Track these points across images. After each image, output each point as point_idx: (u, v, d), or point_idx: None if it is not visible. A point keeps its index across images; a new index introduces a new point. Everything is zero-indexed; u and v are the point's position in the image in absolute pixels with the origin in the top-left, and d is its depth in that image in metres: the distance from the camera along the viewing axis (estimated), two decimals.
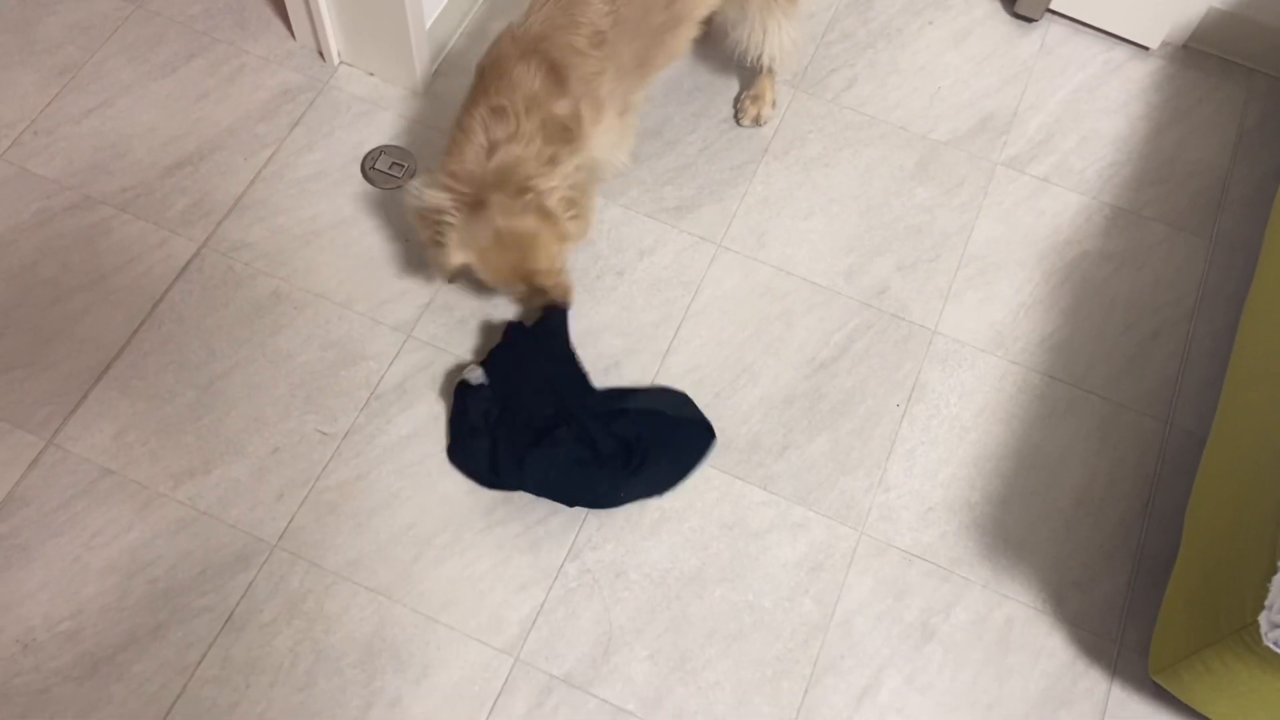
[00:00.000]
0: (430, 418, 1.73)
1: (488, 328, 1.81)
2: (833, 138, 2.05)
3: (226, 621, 1.56)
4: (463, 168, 1.55)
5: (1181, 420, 1.82)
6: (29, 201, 1.85)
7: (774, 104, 2.02)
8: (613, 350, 1.81)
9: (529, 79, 1.54)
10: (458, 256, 1.58)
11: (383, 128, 1.98)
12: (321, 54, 2.03)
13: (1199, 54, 2.20)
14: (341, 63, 2.03)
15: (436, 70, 2.05)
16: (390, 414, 1.73)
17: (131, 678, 1.51)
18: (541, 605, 1.61)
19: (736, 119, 2.03)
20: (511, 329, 1.74)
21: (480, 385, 1.69)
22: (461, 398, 1.71)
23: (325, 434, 1.71)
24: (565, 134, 1.58)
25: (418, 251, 1.87)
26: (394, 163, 1.94)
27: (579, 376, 1.71)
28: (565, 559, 1.65)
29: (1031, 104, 2.11)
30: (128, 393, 1.71)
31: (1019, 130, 2.08)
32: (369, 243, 1.87)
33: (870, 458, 1.76)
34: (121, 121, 1.94)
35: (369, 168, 1.93)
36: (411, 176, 1.93)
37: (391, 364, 1.77)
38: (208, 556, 1.60)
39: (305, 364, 1.76)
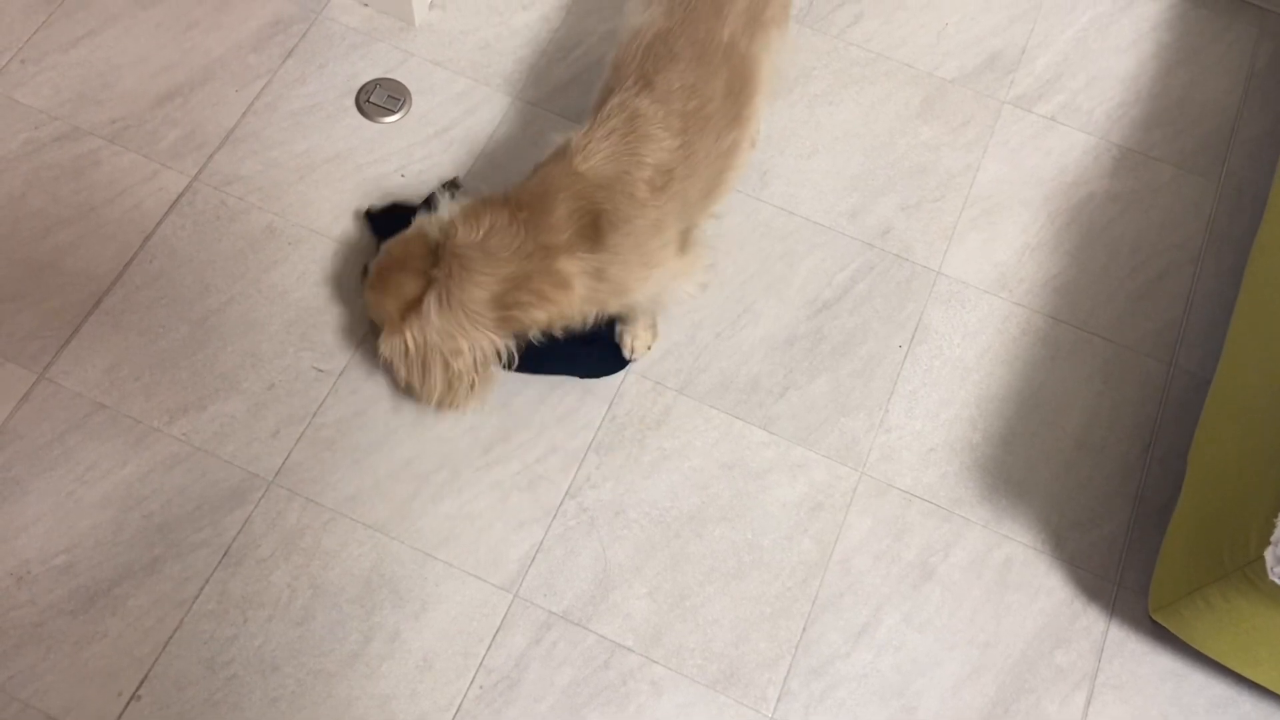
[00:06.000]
0: None
1: None
2: (837, 75, 2.01)
3: (223, 556, 1.55)
4: (467, 237, 1.44)
5: (1185, 362, 1.80)
6: (17, 132, 1.81)
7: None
8: None
9: (563, 227, 1.43)
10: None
11: (377, 60, 1.94)
12: None
13: None
14: None
15: (432, 2, 2.00)
16: None
17: (128, 611, 1.51)
18: (540, 543, 1.60)
19: None
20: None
21: None
22: None
23: (321, 371, 1.69)
24: (537, 300, 1.46)
25: (414, 189, 1.84)
26: (389, 96, 1.90)
27: None
28: (564, 497, 1.64)
29: (1040, 42, 2.07)
30: (120, 327, 1.68)
31: (1026, 68, 2.05)
32: (364, 177, 1.84)
33: (872, 399, 1.74)
34: (110, 51, 1.89)
35: (364, 101, 1.89)
36: (406, 110, 1.89)
37: None
38: (204, 492, 1.59)
39: (300, 300, 1.73)
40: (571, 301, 1.48)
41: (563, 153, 1.49)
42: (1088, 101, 2.02)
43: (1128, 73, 2.06)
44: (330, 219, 1.80)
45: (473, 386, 1.52)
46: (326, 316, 1.72)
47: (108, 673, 1.47)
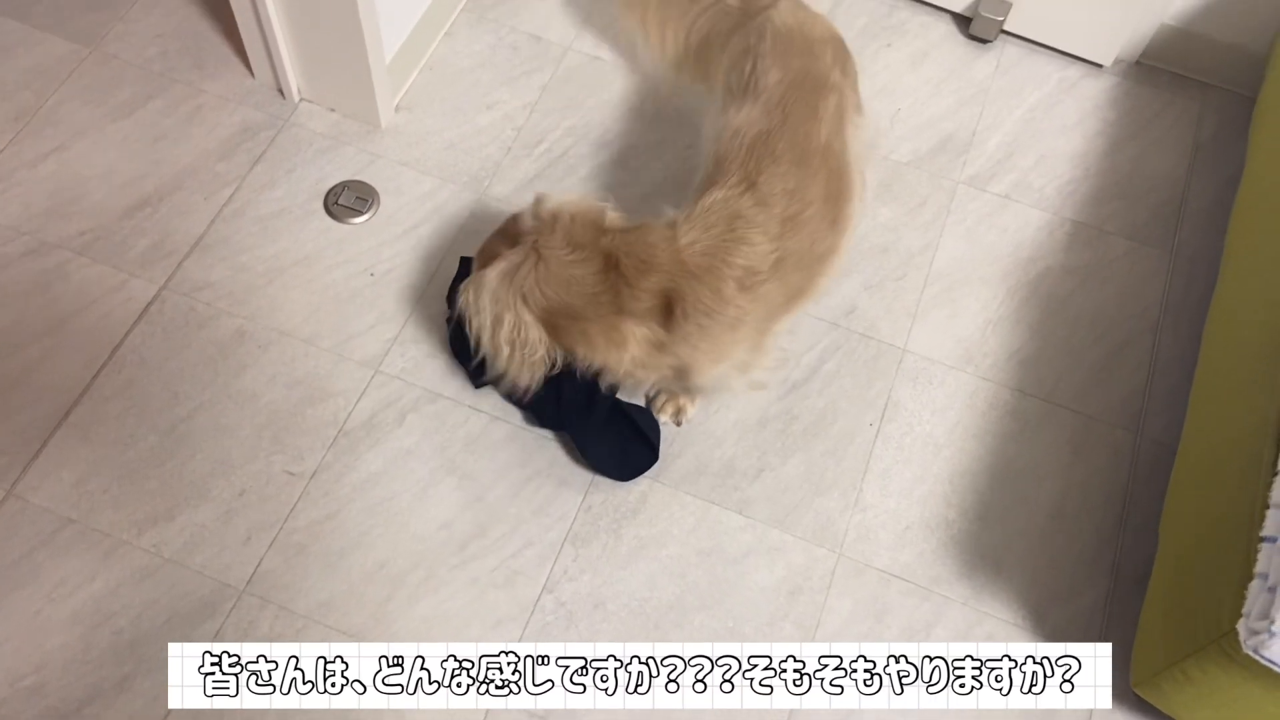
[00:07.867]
0: (400, 453, 1.71)
1: (454, 364, 1.79)
2: None
3: None
4: (558, 251, 1.47)
5: (1151, 430, 1.83)
6: None
7: None
8: None
9: (644, 298, 1.45)
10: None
11: (345, 163, 1.97)
12: (281, 91, 2.02)
13: (1152, 70, 2.24)
14: (302, 99, 2.02)
15: (398, 105, 2.04)
16: (359, 451, 1.71)
17: None
18: (519, 641, 1.58)
19: None
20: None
21: None
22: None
23: (293, 474, 1.68)
24: (584, 341, 1.50)
25: (383, 287, 1.85)
26: (357, 197, 1.92)
27: None
28: (541, 592, 1.62)
29: (990, 123, 2.14)
30: (88, 439, 1.67)
31: (978, 149, 2.10)
32: (333, 278, 1.85)
33: (845, 478, 1.75)
34: (78, 165, 1.92)
35: (332, 203, 1.92)
36: (374, 211, 1.92)
37: (359, 400, 1.75)
38: (174, 604, 1.56)
39: (271, 403, 1.73)
40: (622, 360, 1.50)
41: (671, 231, 1.49)
42: (1039, 179, 2.08)
43: (1076, 150, 2.12)
44: (300, 320, 1.80)
45: (515, 360, 1.54)
46: (297, 419, 1.72)
47: None
